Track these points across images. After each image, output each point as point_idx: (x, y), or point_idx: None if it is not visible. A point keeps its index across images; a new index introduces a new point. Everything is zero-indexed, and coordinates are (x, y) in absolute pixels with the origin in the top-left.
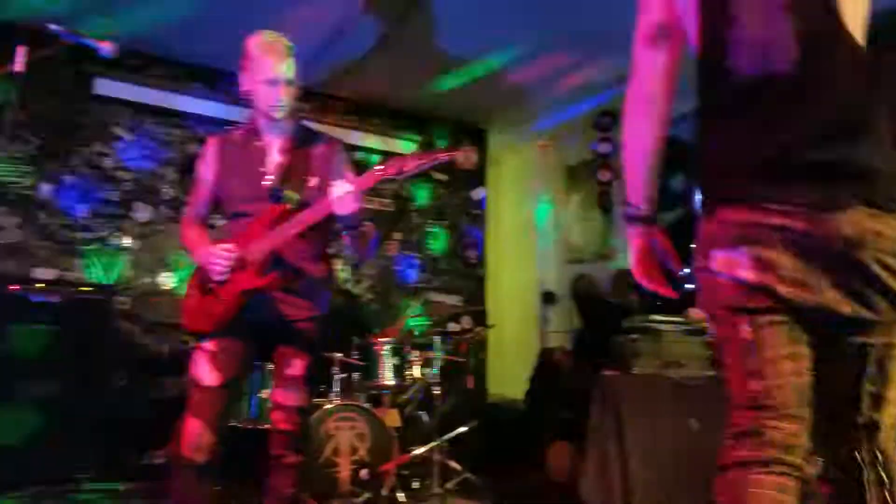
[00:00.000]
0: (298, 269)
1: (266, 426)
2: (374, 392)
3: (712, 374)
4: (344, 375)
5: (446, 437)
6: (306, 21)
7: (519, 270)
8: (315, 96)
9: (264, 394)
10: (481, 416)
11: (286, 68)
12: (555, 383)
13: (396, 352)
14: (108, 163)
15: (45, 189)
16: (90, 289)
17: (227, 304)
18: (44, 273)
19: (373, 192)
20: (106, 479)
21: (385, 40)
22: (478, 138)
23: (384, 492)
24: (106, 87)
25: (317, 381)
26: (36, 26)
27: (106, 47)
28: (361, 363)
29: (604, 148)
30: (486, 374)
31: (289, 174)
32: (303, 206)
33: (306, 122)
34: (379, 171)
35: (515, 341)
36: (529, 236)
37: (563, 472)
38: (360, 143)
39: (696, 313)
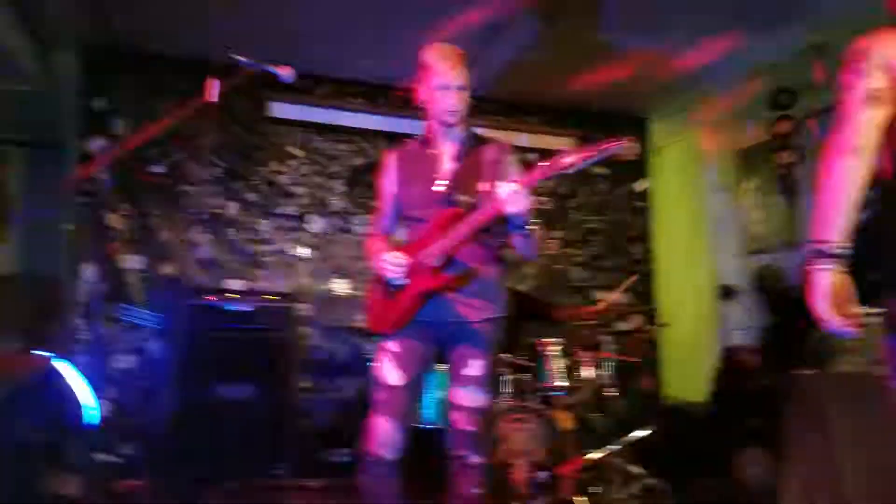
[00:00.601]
0: (472, 269)
1: (441, 427)
2: (544, 394)
3: None
4: (514, 376)
5: (625, 439)
6: (458, 28)
7: (692, 264)
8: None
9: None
10: (660, 418)
11: (459, 74)
12: (742, 385)
13: (566, 353)
14: (283, 179)
15: (232, 207)
16: (274, 297)
17: (405, 306)
18: (234, 284)
19: (532, 190)
20: (298, 476)
21: (538, 38)
22: (639, 128)
23: (562, 495)
24: (279, 109)
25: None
26: (224, 59)
27: (286, 73)
28: (531, 363)
29: (783, 127)
30: (660, 375)
31: (461, 179)
32: (474, 209)
33: (476, 129)
34: (544, 167)
35: (691, 340)
36: (701, 228)
37: (755, 481)
38: (518, 142)
39: None
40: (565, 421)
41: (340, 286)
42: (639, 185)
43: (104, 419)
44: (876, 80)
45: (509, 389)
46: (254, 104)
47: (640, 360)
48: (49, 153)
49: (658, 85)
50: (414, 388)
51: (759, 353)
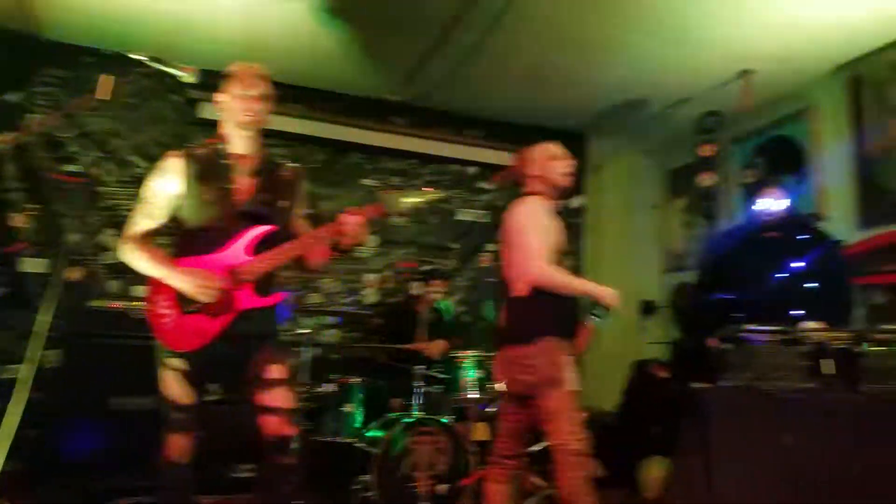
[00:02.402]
0: (282, 285)
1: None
2: (458, 406)
3: (810, 387)
4: (426, 390)
5: (529, 450)
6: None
7: (618, 280)
8: (411, 110)
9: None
10: None
11: (260, 85)
12: (649, 396)
13: (480, 364)
14: None
15: None
16: None
17: (220, 323)
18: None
19: (468, 203)
20: (197, 493)
21: (477, 50)
22: (577, 145)
23: None
24: (209, 110)
25: (399, 395)
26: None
27: (187, 73)
28: (444, 376)
29: (707, 151)
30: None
31: (262, 194)
32: (285, 229)
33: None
34: (380, 206)
35: (614, 353)
36: (629, 244)
37: (655, 489)
38: (457, 155)
39: (807, 326)
40: (481, 433)
41: None
42: (574, 202)
43: None
44: None
45: (420, 402)
46: (182, 105)
47: None
48: None
49: (596, 104)
50: (203, 404)
51: (668, 366)
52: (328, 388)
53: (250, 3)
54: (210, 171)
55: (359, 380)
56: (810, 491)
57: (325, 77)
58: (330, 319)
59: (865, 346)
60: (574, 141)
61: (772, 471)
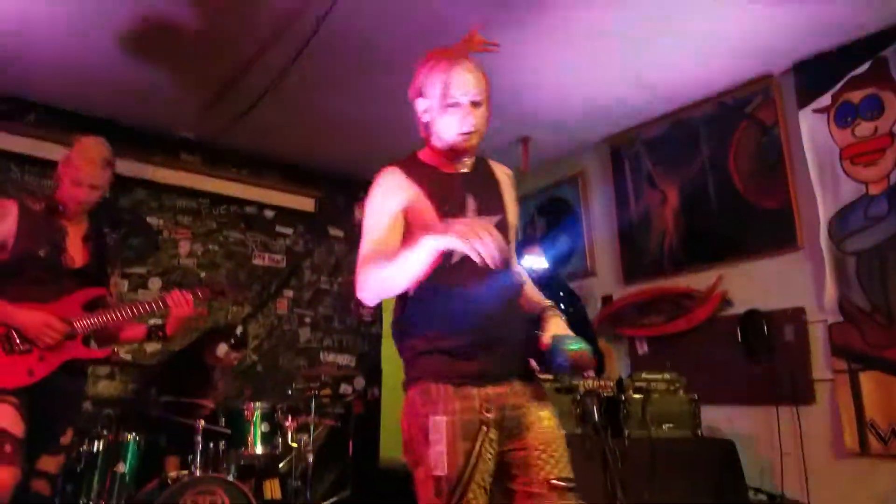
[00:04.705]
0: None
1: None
2: (244, 462)
3: (578, 433)
4: (208, 444)
5: None
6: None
7: None
8: (204, 147)
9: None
10: (370, 481)
11: (99, 174)
12: None
13: (267, 417)
14: None
15: None
16: None
17: (48, 367)
18: None
19: (265, 247)
20: None
21: (273, 92)
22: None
23: None
24: None
25: (179, 451)
26: None
27: None
28: (227, 431)
29: None
30: (379, 437)
31: (94, 261)
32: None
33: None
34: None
35: None
36: None
37: None
38: (254, 198)
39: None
40: (272, 490)
41: None
42: None
43: None
44: None
45: (202, 459)
46: None
47: (349, 423)
48: None
49: (388, 154)
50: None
51: None
52: (97, 445)
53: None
54: (40, 229)
55: (133, 435)
56: None
57: (104, 106)
58: (103, 369)
59: (630, 394)
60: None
61: None
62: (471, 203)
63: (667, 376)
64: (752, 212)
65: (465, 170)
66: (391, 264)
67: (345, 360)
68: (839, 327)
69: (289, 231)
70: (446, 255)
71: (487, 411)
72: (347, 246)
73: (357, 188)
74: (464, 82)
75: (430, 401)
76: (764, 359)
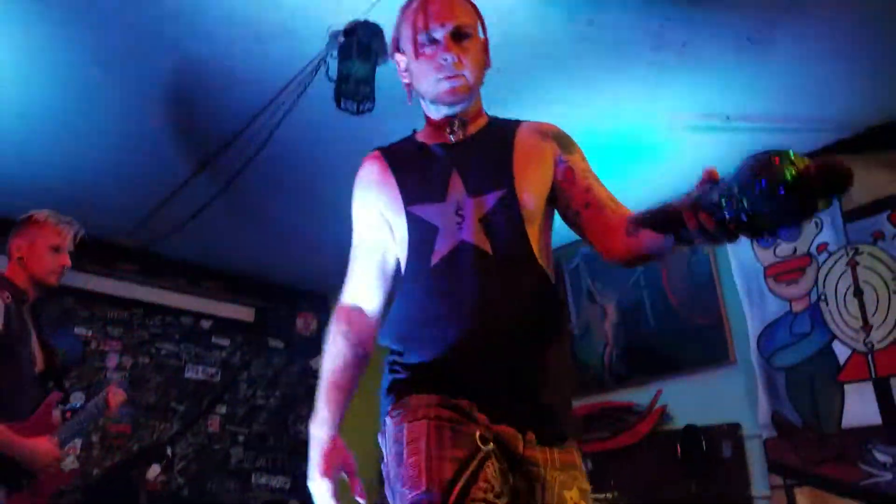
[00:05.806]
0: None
1: None
2: None
3: None
4: None
5: None
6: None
7: (360, 444)
8: (141, 255)
9: None
10: None
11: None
12: None
13: None
14: None
15: None
16: None
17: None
18: None
19: (199, 359)
20: None
21: (216, 201)
22: (321, 305)
23: None
24: None
25: None
26: None
27: None
28: None
29: None
30: None
31: (52, 365)
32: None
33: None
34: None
35: None
36: (364, 407)
37: None
38: (193, 308)
39: None
40: None
41: None
42: (316, 363)
43: None
44: None
45: None
46: None
47: None
48: None
49: (337, 267)
50: None
51: None
52: None
53: None
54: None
55: None
56: None
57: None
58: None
59: None
60: (321, 304)
61: None
62: (455, 183)
63: (609, 496)
64: (687, 327)
65: (460, 138)
66: (326, 353)
67: (279, 482)
68: (774, 442)
69: (225, 342)
70: (424, 256)
71: (485, 443)
72: (288, 357)
73: (300, 298)
74: (438, 8)
75: (408, 411)
76: (703, 476)
